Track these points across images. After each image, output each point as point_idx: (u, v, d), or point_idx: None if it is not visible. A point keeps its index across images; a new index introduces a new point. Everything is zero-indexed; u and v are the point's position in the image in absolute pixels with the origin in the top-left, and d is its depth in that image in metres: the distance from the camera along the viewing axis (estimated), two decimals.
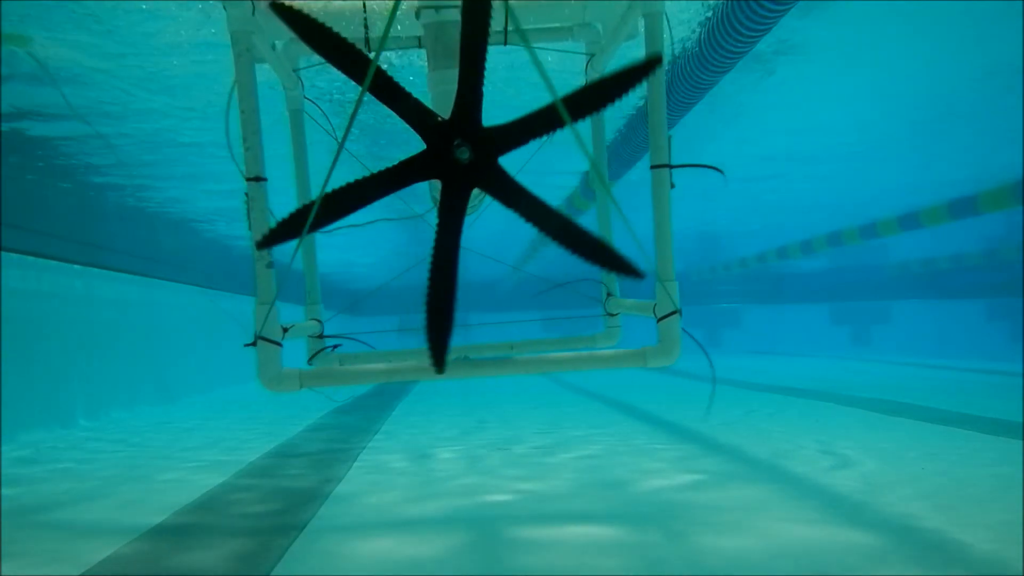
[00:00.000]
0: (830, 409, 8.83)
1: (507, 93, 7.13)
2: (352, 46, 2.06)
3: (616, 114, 7.97)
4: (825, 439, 6.43)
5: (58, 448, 7.28)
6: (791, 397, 10.27)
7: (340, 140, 2.12)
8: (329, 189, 2.18)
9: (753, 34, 4.81)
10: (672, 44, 5.84)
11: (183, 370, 12.67)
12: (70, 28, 5.61)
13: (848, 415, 8.26)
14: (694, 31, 5.78)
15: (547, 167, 7.28)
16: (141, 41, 5.92)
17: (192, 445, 7.28)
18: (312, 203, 2.17)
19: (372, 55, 2.00)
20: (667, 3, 3.21)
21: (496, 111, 2.23)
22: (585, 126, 3.54)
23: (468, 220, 2.25)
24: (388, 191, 2.22)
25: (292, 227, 2.25)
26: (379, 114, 7.91)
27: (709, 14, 5.45)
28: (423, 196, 3.95)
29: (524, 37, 1.82)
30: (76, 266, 9.96)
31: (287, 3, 2.10)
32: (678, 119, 6.60)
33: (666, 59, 4.72)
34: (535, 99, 2.19)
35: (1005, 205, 12.31)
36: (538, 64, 1.80)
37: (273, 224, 2.31)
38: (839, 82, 8.07)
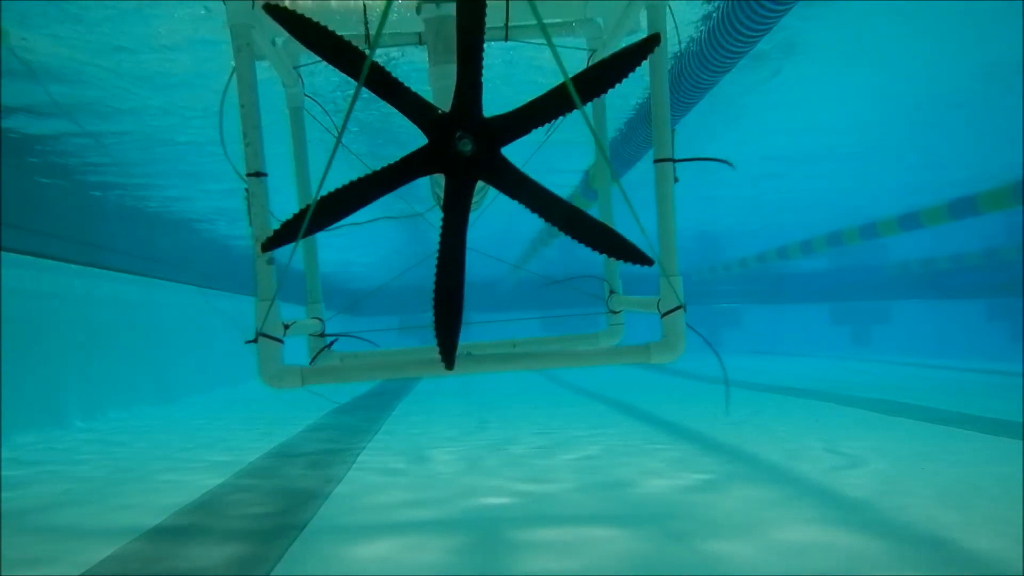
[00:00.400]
0: (831, 409, 8.81)
1: (505, 92, 7.11)
2: (348, 44, 2.04)
3: (617, 114, 7.95)
4: (828, 439, 6.41)
5: (56, 449, 7.26)
6: (792, 397, 10.24)
7: (337, 136, 2.10)
8: (330, 188, 2.16)
9: (753, 34, 4.80)
10: (679, 43, 5.81)
11: (183, 370, 12.64)
12: (69, 26, 5.60)
13: (849, 415, 8.24)
14: (699, 30, 5.77)
15: (547, 165, 7.25)
16: (141, 39, 5.91)
17: (191, 445, 7.26)
18: (315, 204, 2.15)
19: (369, 52, 1.98)
20: (670, 2, 3.20)
21: (496, 110, 2.21)
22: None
23: (471, 218, 2.23)
24: (390, 188, 2.20)
25: (296, 229, 2.24)
26: (380, 112, 7.89)
27: (708, 12, 5.44)
28: (424, 195, 3.93)
29: (544, 31, 1.80)
30: (75, 266, 9.93)
31: (281, 4, 2.08)
32: (679, 119, 6.59)
33: (669, 57, 4.70)
34: (534, 96, 2.17)
35: (1005, 205, 12.28)
36: (550, 42, 1.78)
37: (274, 223, 2.30)
38: (839, 82, 8.06)
